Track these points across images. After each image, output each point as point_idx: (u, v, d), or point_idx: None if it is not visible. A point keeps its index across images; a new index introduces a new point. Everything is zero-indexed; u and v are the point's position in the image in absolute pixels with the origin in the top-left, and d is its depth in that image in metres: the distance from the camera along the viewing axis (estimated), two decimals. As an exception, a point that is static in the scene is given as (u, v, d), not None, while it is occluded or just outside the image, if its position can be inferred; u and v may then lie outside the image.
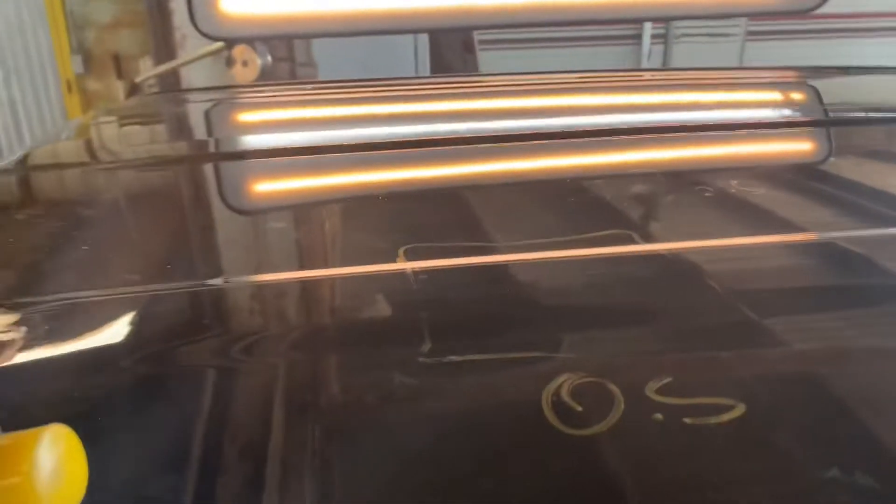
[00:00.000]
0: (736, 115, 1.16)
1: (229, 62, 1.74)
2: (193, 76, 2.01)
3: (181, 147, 1.16)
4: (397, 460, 0.41)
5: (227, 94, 1.68)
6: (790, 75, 1.75)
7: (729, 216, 0.75)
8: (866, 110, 1.22)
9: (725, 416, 0.42)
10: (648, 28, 4.59)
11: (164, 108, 1.64)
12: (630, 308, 0.57)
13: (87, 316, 0.56)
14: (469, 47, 2.86)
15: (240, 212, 0.84)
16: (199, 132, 1.32)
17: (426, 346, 0.49)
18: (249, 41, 1.71)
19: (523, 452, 0.42)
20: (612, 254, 0.64)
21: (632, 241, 0.66)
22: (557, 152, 0.96)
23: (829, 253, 0.68)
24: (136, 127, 1.45)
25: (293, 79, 2.24)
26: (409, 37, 2.65)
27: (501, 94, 1.47)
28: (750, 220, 0.74)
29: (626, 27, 4.57)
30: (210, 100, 1.63)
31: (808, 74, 1.72)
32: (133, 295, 0.58)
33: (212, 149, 1.08)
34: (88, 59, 4.41)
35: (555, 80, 1.63)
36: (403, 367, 0.48)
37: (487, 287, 0.61)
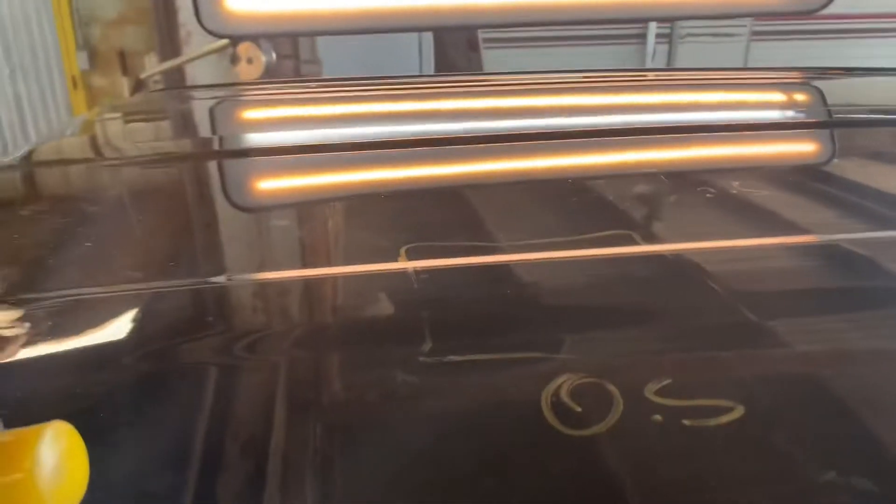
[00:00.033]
0: (739, 116, 1.16)
1: (234, 59, 1.74)
2: (198, 73, 2.01)
3: (186, 144, 1.16)
4: (395, 460, 0.41)
5: (231, 92, 1.69)
6: (794, 76, 1.74)
7: (731, 217, 0.75)
8: (871, 112, 1.22)
9: (724, 418, 0.42)
10: (653, 28, 4.58)
11: (168, 105, 1.64)
12: (630, 309, 0.57)
13: (91, 313, 0.56)
14: (474, 46, 2.85)
15: (243, 209, 0.84)
16: (204, 129, 1.32)
17: (426, 346, 0.49)
18: (254, 38, 1.71)
19: (522, 452, 0.42)
20: (613, 254, 0.64)
21: (633, 242, 0.66)
22: (560, 152, 0.96)
23: (829, 255, 0.68)
24: (141, 124, 1.46)
25: (297, 76, 2.24)
26: (414, 35, 2.64)
27: (505, 94, 1.47)
28: (752, 222, 0.74)
29: (630, 27, 4.56)
30: (215, 97, 1.63)
31: (813, 75, 1.71)
32: (136, 292, 0.58)
33: (216, 146, 1.08)
34: (94, 56, 4.42)
35: (559, 80, 1.63)
36: (402, 367, 0.48)
37: (488, 287, 0.61)
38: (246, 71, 1.74)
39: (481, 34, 2.85)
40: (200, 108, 1.55)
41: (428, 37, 2.65)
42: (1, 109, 3.85)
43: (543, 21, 1.89)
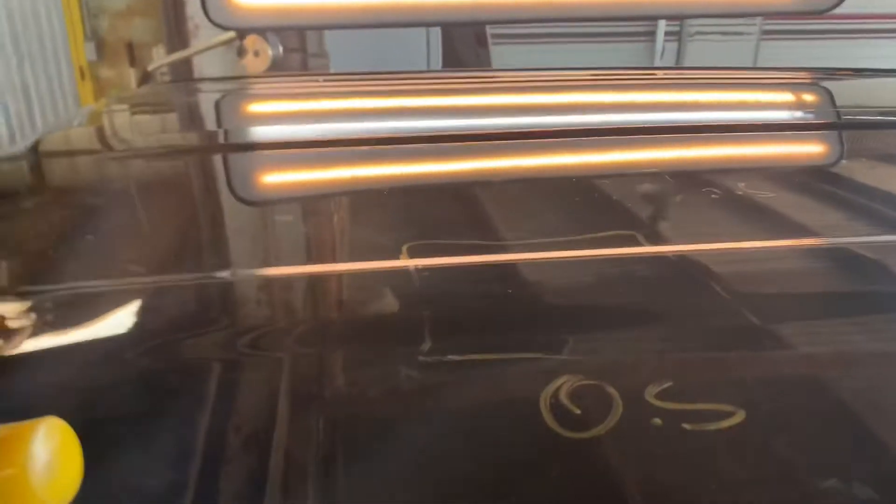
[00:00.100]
0: (747, 116, 1.15)
1: (241, 52, 1.74)
2: (206, 66, 2.01)
3: (192, 137, 1.16)
4: (393, 460, 0.41)
5: (238, 85, 1.69)
6: (803, 76, 1.73)
7: (737, 218, 0.75)
8: (879, 113, 1.21)
9: (725, 423, 0.42)
10: (662, 25, 4.57)
11: (175, 98, 1.64)
12: (632, 310, 0.57)
13: (94, 306, 0.56)
14: (482, 41, 2.84)
15: (247, 204, 0.84)
16: (210, 122, 1.32)
17: (425, 345, 0.49)
18: (261, 31, 1.71)
19: (520, 453, 0.42)
20: (616, 255, 0.64)
21: (636, 243, 0.65)
22: (566, 150, 0.96)
23: (834, 257, 0.67)
24: (148, 115, 1.46)
25: (305, 69, 2.24)
26: (422, 30, 2.64)
27: (513, 90, 1.46)
28: (757, 223, 0.74)
29: (640, 24, 4.55)
30: (221, 90, 1.63)
31: (822, 76, 1.70)
32: (140, 287, 0.58)
33: (222, 140, 1.08)
34: (102, 47, 4.43)
35: (567, 77, 1.63)
36: (400, 366, 0.48)
37: (489, 286, 0.60)
38: (253, 64, 1.74)
39: (490, 30, 2.84)
40: (207, 101, 1.55)
41: (436, 32, 2.65)
42: (8, 99, 3.85)
43: (552, 17, 1.88)
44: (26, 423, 0.33)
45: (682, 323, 0.56)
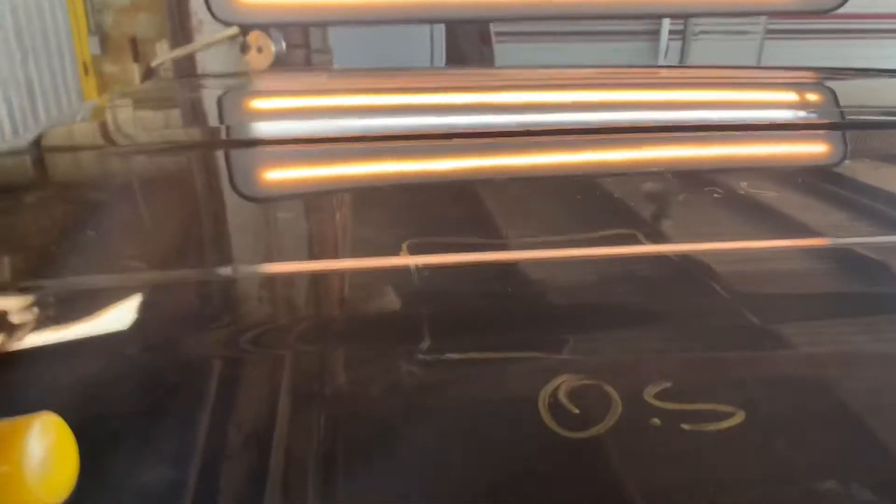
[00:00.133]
0: (751, 116, 1.15)
1: (244, 48, 1.74)
2: (209, 61, 2.01)
3: (195, 133, 1.16)
4: (388, 458, 0.41)
5: (241, 81, 1.69)
6: (807, 76, 1.73)
7: (738, 218, 0.74)
8: (883, 114, 1.21)
9: (724, 424, 0.42)
10: (667, 24, 4.56)
11: (178, 93, 1.64)
12: (632, 310, 0.57)
13: (95, 302, 0.56)
14: (486, 39, 2.84)
15: (250, 200, 0.84)
16: (213, 118, 1.32)
17: (424, 343, 0.49)
18: (264, 27, 1.71)
19: (518, 452, 0.42)
20: (616, 254, 0.64)
21: (636, 242, 0.65)
22: (568, 148, 0.95)
23: (836, 258, 0.67)
24: (151, 111, 1.46)
25: (308, 66, 2.24)
26: (426, 27, 2.64)
27: (515, 88, 1.46)
28: (759, 223, 0.73)
29: (644, 23, 4.55)
30: (225, 86, 1.63)
31: (826, 75, 1.70)
32: (141, 282, 0.58)
33: (224, 136, 1.08)
34: (105, 42, 4.43)
35: (570, 76, 1.62)
36: (397, 365, 0.48)
37: (488, 285, 0.60)
38: (256, 60, 1.74)
39: (493, 28, 2.84)
40: (210, 97, 1.55)
41: (440, 29, 2.64)
42: (12, 93, 3.86)
43: (556, 15, 1.88)
44: (21, 419, 0.33)
45: (682, 323, 0.56)
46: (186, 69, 1.97)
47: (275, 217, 0.79)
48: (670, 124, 1.07)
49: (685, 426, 0.42)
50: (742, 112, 1.19)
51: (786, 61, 4.29)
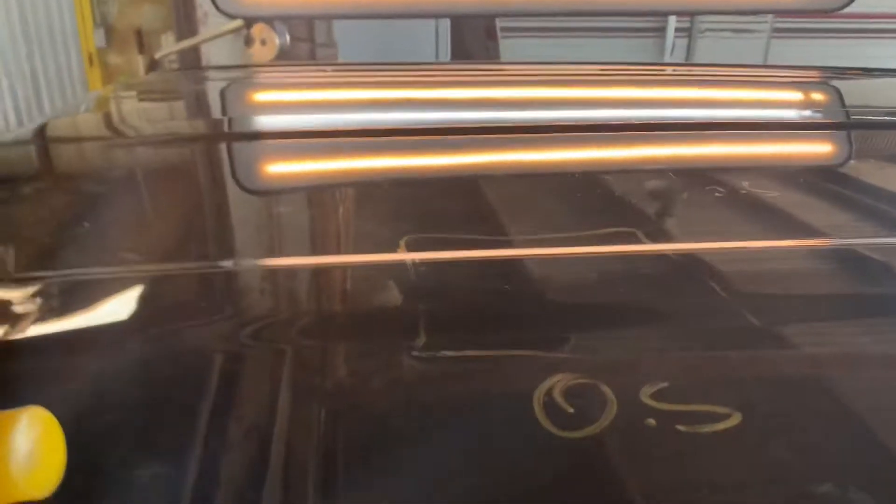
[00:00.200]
0: (756, 114, 1.14)
1: (248, 41, 1.73)
2: (213, 54, 2.01)
3: (198, 125, 1.16)
4: (384, 455, 0.41)
5: (245, 73, 1.68)
6: (813, 75, 1.72)
7: (741, 218, 0.74)
8: (889, 114, 1.20)
9: (721, 425, 0.42)
10: (673, 22, 4.54)
11: (182, 85, 1.64)
12: (630, 309, 0.56)
13: (96, 293, 0.56)
14: (491, 34, 2.83)
15: (252, 193, 0.84)
16: (216, 111, 1.32)
17: (419, 340, 0.49)
18: (268, 20, 1.71)
19: (512, 451, 0.42)
20: (615, 252, 0.63)
21: (636, 240, 0.65)
22: (572, 145, 0.95)
23: (839, 258, 0.67)
24: (155, 103, 1.46)
25: (312, 59, 2.23)
26: (431, 21, 2.64)
27: (521, 84, 1.46)
28: (762, 223, 0.73)
29: (650, 20, 4.53)
30: (228, 78, 1.63)
31: (831, 75, 1.69)
32: (142, 274, 0.58)
33: (228, 128, 1.08)
34: (111, 33, 4.43)
35: (575, 72, 1.62)
36: (393, 361, 0.47)
37: (485, 282, 0.60)
38: (260, 52, 1.73)
39: (499, 23, 2.83)
40: (214, 90, 1.55)
41: (445, 24, 2.64)
42: (17, 83, 3.86)
43: (562, 11, 1.88)
44: (8, 413, 0.33)
45: (680, 323, 0.56)
46: (191, 61, 1.96)
47: (277, 210, 0.79)
48: (674, 122, 1.06)
49: (681, 427, 0.41)
50: (747, 111, 1.19)
51: (792, 60, 4.27)
